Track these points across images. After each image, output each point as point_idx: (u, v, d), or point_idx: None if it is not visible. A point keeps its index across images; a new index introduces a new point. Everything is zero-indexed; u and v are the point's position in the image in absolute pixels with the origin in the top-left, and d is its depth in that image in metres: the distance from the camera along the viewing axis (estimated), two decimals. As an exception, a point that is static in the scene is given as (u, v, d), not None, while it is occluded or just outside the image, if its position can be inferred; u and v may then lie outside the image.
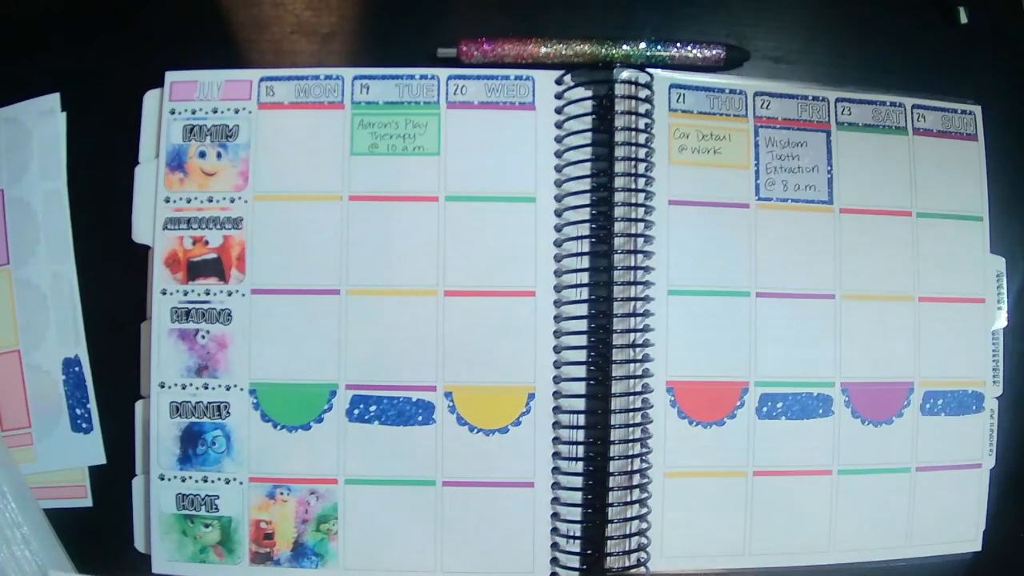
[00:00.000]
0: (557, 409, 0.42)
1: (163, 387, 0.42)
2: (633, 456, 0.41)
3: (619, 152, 0.42)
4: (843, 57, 0.46)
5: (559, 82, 0.43)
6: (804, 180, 0.44)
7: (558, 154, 0.43)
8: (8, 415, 0.42)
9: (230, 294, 0.42)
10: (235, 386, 0.42)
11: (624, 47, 0.43)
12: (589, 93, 0.43)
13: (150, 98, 0.43)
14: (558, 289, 0.42)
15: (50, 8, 0.44)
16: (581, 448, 0.42)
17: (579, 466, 0.42)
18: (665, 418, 0.42)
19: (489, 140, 0.43)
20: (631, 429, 0.41)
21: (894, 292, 0.44)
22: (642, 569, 0.42)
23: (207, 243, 0.42)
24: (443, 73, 0.43)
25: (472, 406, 0.42)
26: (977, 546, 0.45)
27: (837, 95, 0.45)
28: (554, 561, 0.42)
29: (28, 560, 0.40)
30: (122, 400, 0.42)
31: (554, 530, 0.42)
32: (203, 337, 0.42)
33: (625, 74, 0.43)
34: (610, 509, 0.41)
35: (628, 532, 0.41)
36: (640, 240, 0.42)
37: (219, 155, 0.43)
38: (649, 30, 0.44)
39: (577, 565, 0.41)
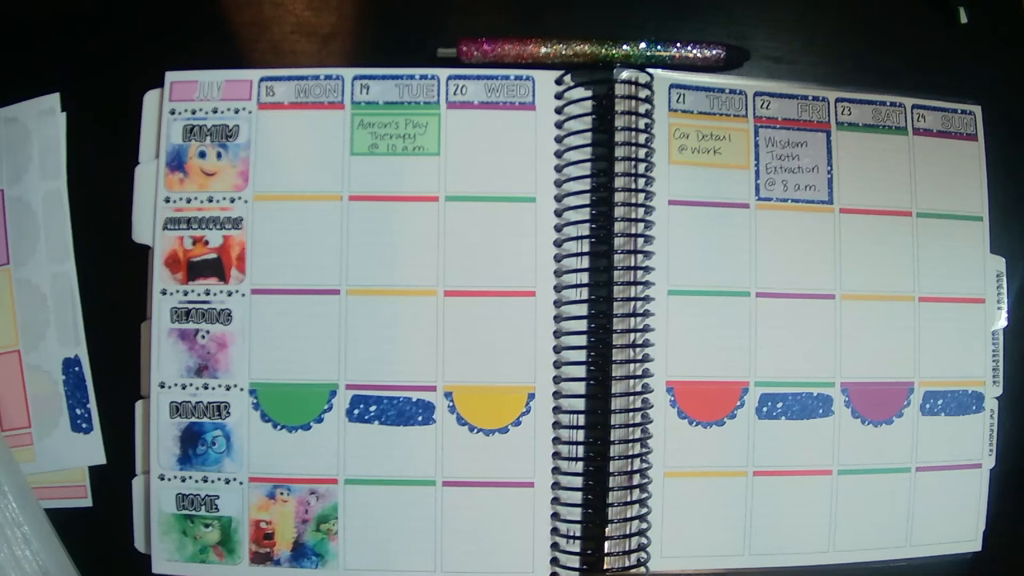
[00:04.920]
0: (557, 409, 0.42)
1: (163, 387, 0.42)
2: (633, 456, 0.41)
3: (619, 152, 0.42)
4: (843, 57, 0.46)
5: (559, 82, 0.43)
6: (804, 180, 0.44)
7: (558, 154, 0.43)
8: (8, 415, 0.42)
9: (230, 294, 0.42)
10: (235, 386, 0.42)
11: (624, 47, 0.43)
12: (589, 93, 0.43)
13: (150, 98, 0.43)
14: (558, 289, 0.42)
15: (50, 8, 0.44)
16: (581, 448, 0.42)
17: (579, 466, 0.42)
18: (665, 418, 0.42)
19: (489, 140, 0.43)
20: (631, 429, 0.41)
21: (894, 292, 0.44)
22: (642, 569, 0.42)
23: (207, 243, 0.42)
24: (443, 73, 0.43)
25: (472, 406, 0.42)
26: (977, 546, 0.45)
27: (837, 95, 0.45)
28: (554, 561, 0.42)
29: (28, 560, 0.40)
30: (122, 400, 0.42)
31: (554, 530, 0.42)
32: (203, 337, 0.42)
33: (625, 74, 0.43)
34: (610, 509, 0.41)
35: (628, 532, 0.41)
36: (640, 240, 0.42)
37: (219, 155, 0.43)
38: (649, 30, 0.44)
39: (577, 565, 0.41)
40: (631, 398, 0.42)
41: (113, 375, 0.43)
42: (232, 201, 0.42)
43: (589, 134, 0.43)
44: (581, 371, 0.42)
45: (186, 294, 0.42)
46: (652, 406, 0.42)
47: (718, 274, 0.43)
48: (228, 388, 0.42)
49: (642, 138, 0.42)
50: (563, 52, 0.43)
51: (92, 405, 0.43)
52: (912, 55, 0.46)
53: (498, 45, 0.43)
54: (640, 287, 0.42)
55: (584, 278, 0.42)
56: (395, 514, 0.42)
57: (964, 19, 0.46)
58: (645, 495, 0.42)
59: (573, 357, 0.42)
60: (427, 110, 0.43)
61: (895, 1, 0.47)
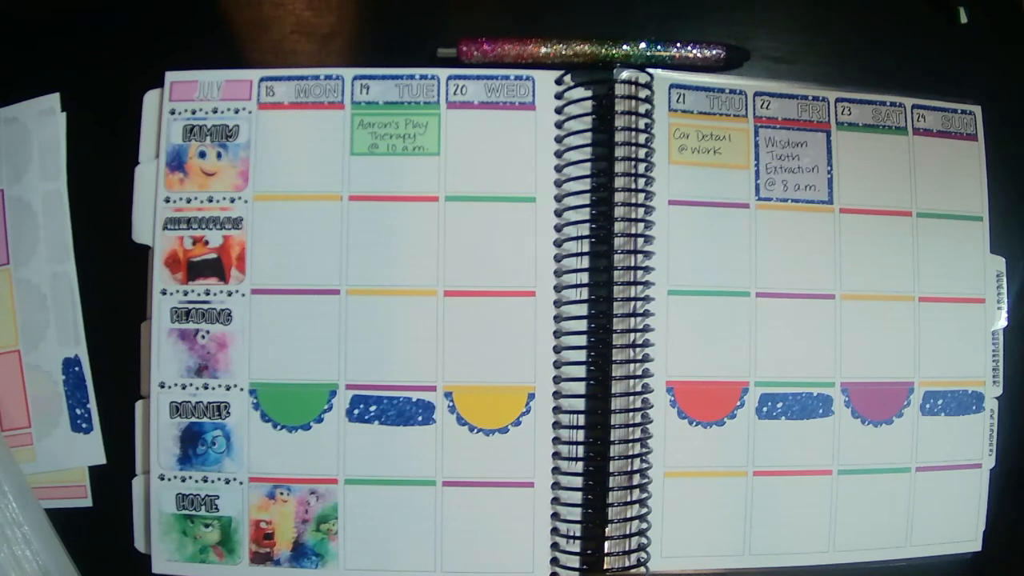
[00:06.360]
0: (557, 409, 0.42)
1: (163, 387, 0.42)
2: (633, 456, 0.41)
3: (619, 152, 0.42)
4: (843, 57, 0.46)
5: (559, 82, 0.43)
6: (804, 180, 0.44)
7: (558, 154, 0.43)
8: (8, 415, 0.42)
9: (230, 294, 0.42)
10: (235, 386, 0.42)
11: (624, 47, 0.43)
12: (589, 93, 0.43)
13: (150, 98, 0.43)
14: (558, 289, 0.42)
15: (50, 8, 0.44)
16: (581, 448, 0.42)
17: (579, 466, 0.42)
18: (665, 418, 0.42)
19: (489, 140, 0.43)
20: (631, 429, 0.41)
21: (894, 292, 0.44)
22: (642, 569, 0.42)
23: (207, 243, 0.42)
24: (443, 73, 0.43)
25: (472, 406, 0.42)
26: (977, 546, 0.45)
27: (837, 95, 0.45)
28: (554, 561, 0.42)
29: (28, 560, 0.40)
30: (122, 400, 0.42)
31: (554, 530, 0.42)
32: (203, 337, 0.42)
33: (625, 74, 0.43)
34: (610, 509, 0.41)
35: (628, 532, 0.41)
36: (640, 240, 0.42)
37: (219, 155, 0.43)
38: (649, 30, 0.44)
39: (577, 565, 0.41)
40: (631, 398, 0.42)
41: (113, 375, 0.43)
42: (232, 201, 0.42)
43: (589, 134, 0.43)
44: (581, 371, 0.42)
45: (186, 294, 0.42)
46: (652, 406, 0.42)
47: (718, 274, 0.43)
48: (228, 388, 0.42)
49: (642, 138, 0.42)
50: (563, 52, 0.43)
51: (92, 405, 0.43)
52: (912, 55, 0.46)
53: (498, 45, 0.43)
54: (640, 287, 0.42)
55: (584, 278, 0.42)
56: (395, 514, 0.42)
57: (964, 19, 0.46)
58: (645, 495, 0.42)
59: (573, 357, 0.42)
60: (427, 110, 0.43)
61: (895, 1, 0.47)
